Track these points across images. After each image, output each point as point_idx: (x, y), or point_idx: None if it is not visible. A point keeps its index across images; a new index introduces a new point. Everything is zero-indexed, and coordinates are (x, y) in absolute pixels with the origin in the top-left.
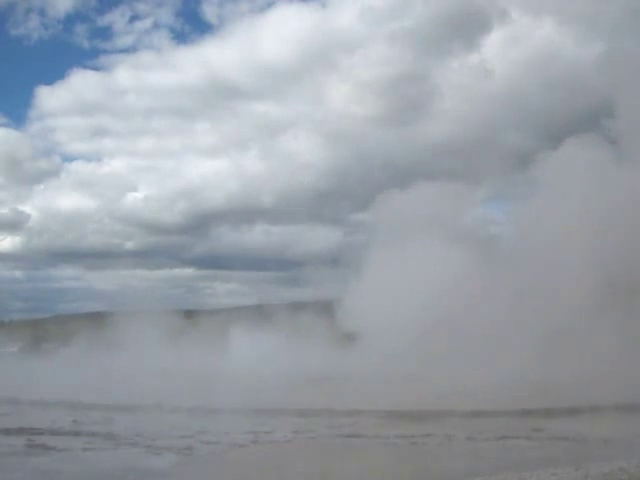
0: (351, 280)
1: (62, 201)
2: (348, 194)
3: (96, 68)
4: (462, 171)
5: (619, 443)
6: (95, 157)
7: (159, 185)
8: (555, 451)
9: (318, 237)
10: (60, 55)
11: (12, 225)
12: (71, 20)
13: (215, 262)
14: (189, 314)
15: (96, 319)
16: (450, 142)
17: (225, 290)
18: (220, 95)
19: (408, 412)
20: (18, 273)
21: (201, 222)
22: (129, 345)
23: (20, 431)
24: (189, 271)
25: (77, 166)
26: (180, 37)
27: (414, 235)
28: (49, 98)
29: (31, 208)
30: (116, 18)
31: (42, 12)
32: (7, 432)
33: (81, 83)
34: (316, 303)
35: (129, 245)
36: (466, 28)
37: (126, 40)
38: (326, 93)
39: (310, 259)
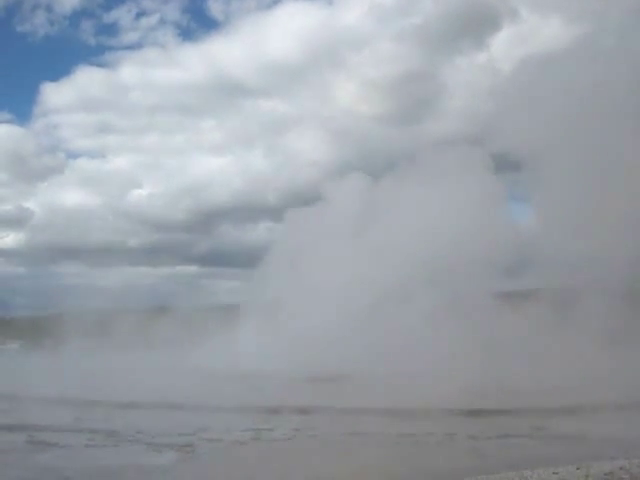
0: None
1: (66, 198)
2: None
3: (101, 65)
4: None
5: (620, 442)
6: (99, 154)
7: (163, 182)
8: (556, 450)
9: None
10: (65, 52)
11: (16, 221)
12: (77, 16)
13: (219, 260)
14: (192, 311)
15: (99, 316)
16: (457, 141)
17: (228, 288)
18: (225, 92)
19: (409, 410)
20: (21, 269)
21: (205, 219)
22: (131, 342)
23: (22, 428)
24: (192, 268)
25: (81, 163)
26: (186, 34)
27: None
28: (54, 94)
29: (35, 205)
30: (122, 14)
31: (49, 8)
32: (9, 428)
33: (86, 80)
34: None
35: (133, 242)
36: (475, 26)
37: (132, 37)
38: (333, 91)
39: None
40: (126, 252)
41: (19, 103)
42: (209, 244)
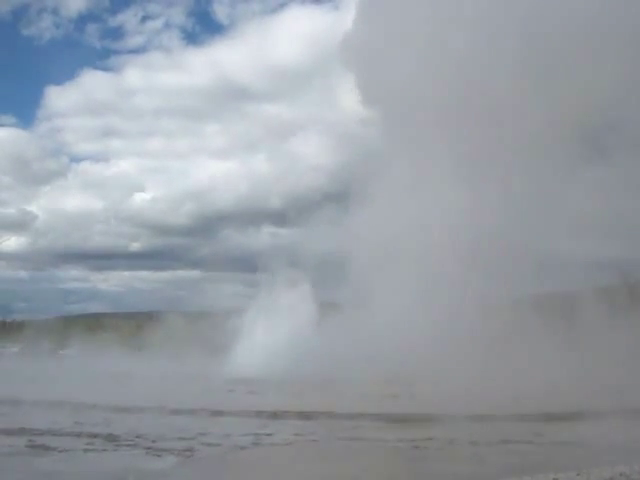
0: None
1: (69, 201)
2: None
3: (106, 68)
4: None
5: (620, 448)
6: (103, 158)
7: (167, 186)
8: (556, 456)
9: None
10: (71, 55)
11: (19, 225)
12: (83, 20)
13: (221, 264)
14: (193, 316)
15: (99, 320)
16: None
17: (231, 292)
18: (230, 96)
19: (410, 415)
20: (23, 273)
21: (208, 224)
22: (132, 346)
23: (21, 431)
24: (195, 273)
25: (85, 166)
26: (191, 38)
27: None
28: (58, 98)
29: (38, 208)
30: (128, 18)
31: (55, 12)
32: (8, 432)
33: (91, 83)
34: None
35: (135, 246)
36: None
37: (137, 40)
38: (338, 96)
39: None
40: (128, 256)
41: (23, 106)
42: (212, 248)
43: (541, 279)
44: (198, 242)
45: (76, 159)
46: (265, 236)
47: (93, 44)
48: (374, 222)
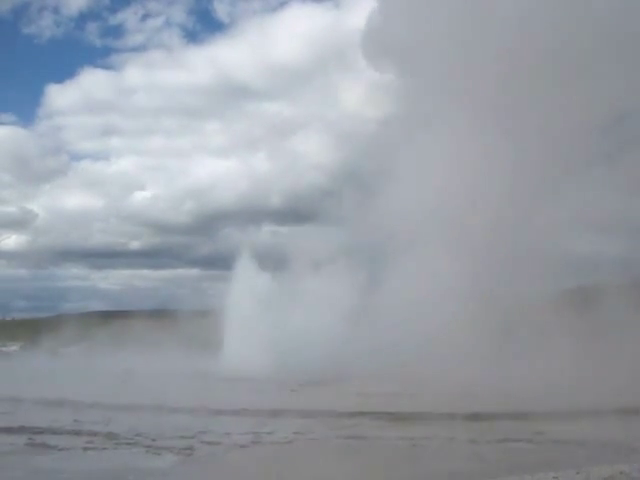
0: None
1: (69, 200)
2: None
3: (107, 67)
4: None
5: (620, 446)
6: (103, 156)
7: (167, 185)
8: (556, 454)
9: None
10: (71, 53)
11: (19, 223)
12: (83, 18)
13: (221, 263)
14: (194, 314)
15: (99, 318)
16: None
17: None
18: (230, 95)
19: (409, 414)
20: (23, 271)
21: (208, 222)
22: (132, 345)
23: (21, 430)
24: (194, 271)
25: (85, 165)
26: (191, 36)
27: None
28: (59, 96)
29: (38, 206)
30: (128, 16)
31: (55, 10)
32: (8, 431)
33: (91, 82)
34: None
35: (135, 245)
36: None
37: (137, 38)
38: (339, 94)
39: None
40: (128, 254)
41: (23, 105)
42: (211, 247)
43: (558, 275)
44: (198, 240)
45: (76, 157)
46: (266, 235)
47: (93, 42)
48: (389, 212)
